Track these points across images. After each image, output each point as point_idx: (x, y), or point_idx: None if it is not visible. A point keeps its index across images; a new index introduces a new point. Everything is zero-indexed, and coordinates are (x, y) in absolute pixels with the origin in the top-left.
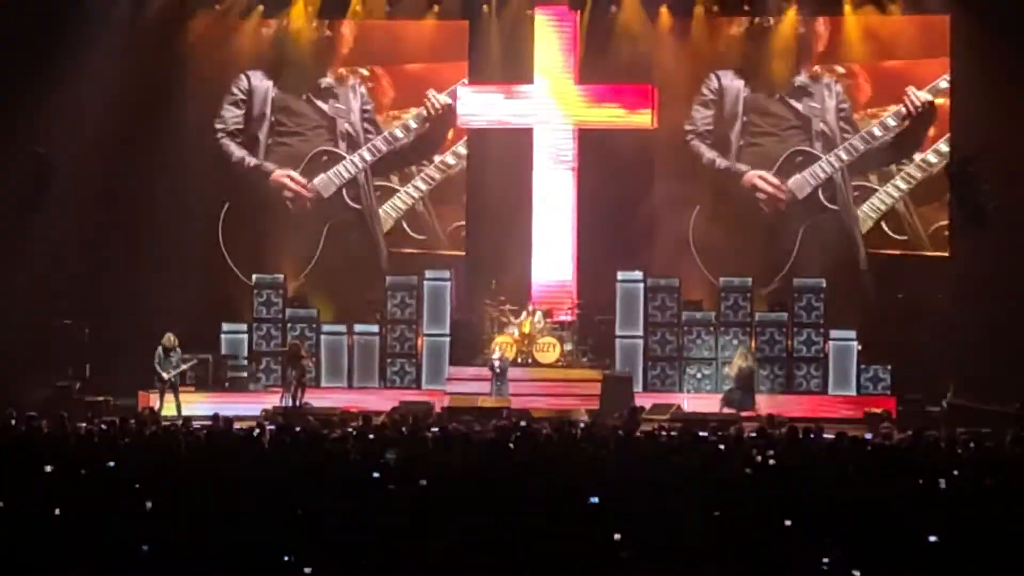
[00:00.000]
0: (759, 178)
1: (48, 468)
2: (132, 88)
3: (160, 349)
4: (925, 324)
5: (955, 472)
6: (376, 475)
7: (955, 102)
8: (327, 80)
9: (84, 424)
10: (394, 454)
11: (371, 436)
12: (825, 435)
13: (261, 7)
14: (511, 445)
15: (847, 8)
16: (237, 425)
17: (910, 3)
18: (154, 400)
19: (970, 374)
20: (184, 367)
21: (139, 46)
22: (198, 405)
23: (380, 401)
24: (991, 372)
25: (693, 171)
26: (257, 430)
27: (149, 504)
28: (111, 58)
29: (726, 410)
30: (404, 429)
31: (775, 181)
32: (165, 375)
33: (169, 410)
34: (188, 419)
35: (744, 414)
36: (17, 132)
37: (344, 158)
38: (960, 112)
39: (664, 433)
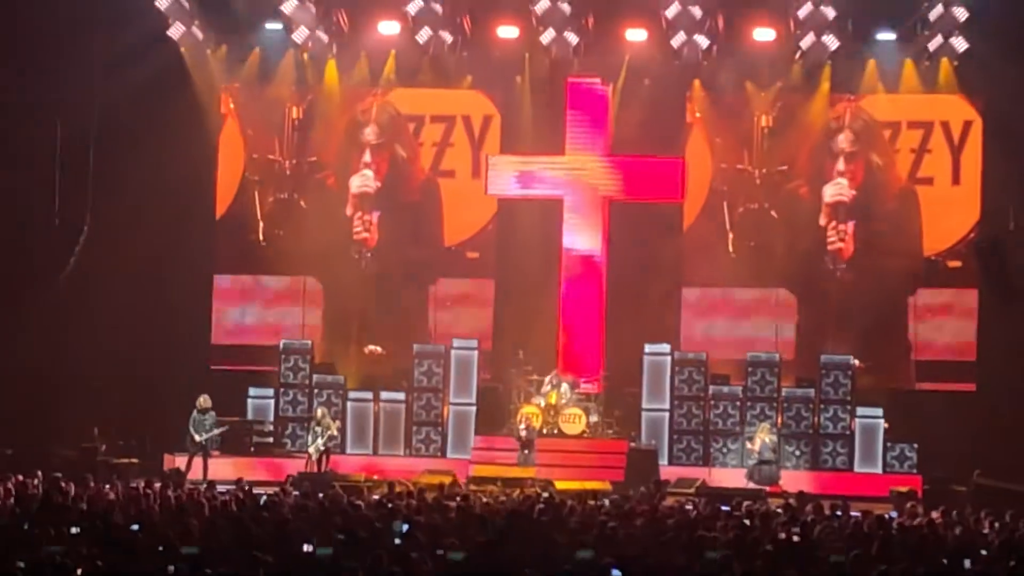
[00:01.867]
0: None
1: (73, 530)
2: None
3: (195, 411)
4: (951, 404)
5: (981, 552)
6: (398, 542)
7: (985, 182)
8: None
9: (108, 486)
10: (406, 526)
11: (391, 505)
12: (851, 513)
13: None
14: (535, 516)
15: (880, 86)
16: (260, 490)
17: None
18: (180, 463)
19: (996, 454)
20: (216, 432)
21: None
22: (223, 468)
23: (405, 468)
24: (1017, 452)
25: (721, 244)
26: (280, 495)
27: (172, 568)
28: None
29: (751, 485)
30: (428, 497)
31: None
32: (197, 437)
33: (196, 472)
34: (212, 483)
35: (769, 489)
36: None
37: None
38: (989, 191)
39: (689, 507)
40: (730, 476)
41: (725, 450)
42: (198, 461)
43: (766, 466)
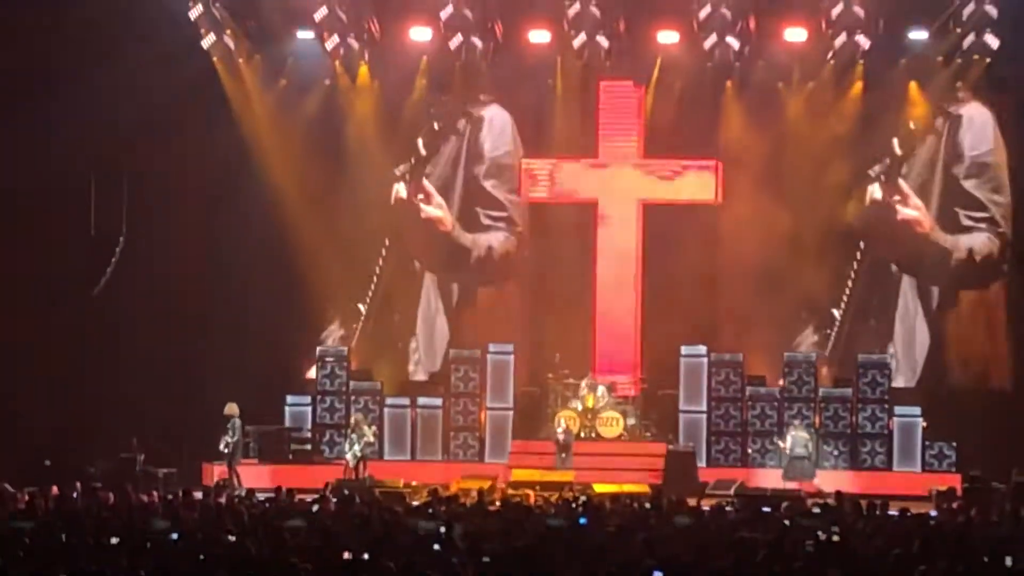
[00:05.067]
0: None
1: (114, 540)
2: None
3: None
4: (990, 401)
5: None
6: (437, 547)
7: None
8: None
9: (147, 496)
10: (459, 529)
11: (431, 510)
12: (890, 512)
13: (327, 81)
14: (576, 519)
15: (913, 84)
16: (299, 498)
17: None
18: (219, 471)
19: None
20: (232, 439)
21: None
22: (262, 476)
23: (444, 473)
24: None
25: (759, 244)
26: (320, 502)
27: None
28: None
29: (788, 483)
30: (467, 503)
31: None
32: (220, 445)
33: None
34: (251, 491)
35: (806, 486)
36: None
37: None
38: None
39: (728, 508)
40: (769, 477)
41: (763, 451)
42: (239, 469)
43: (798, 461)
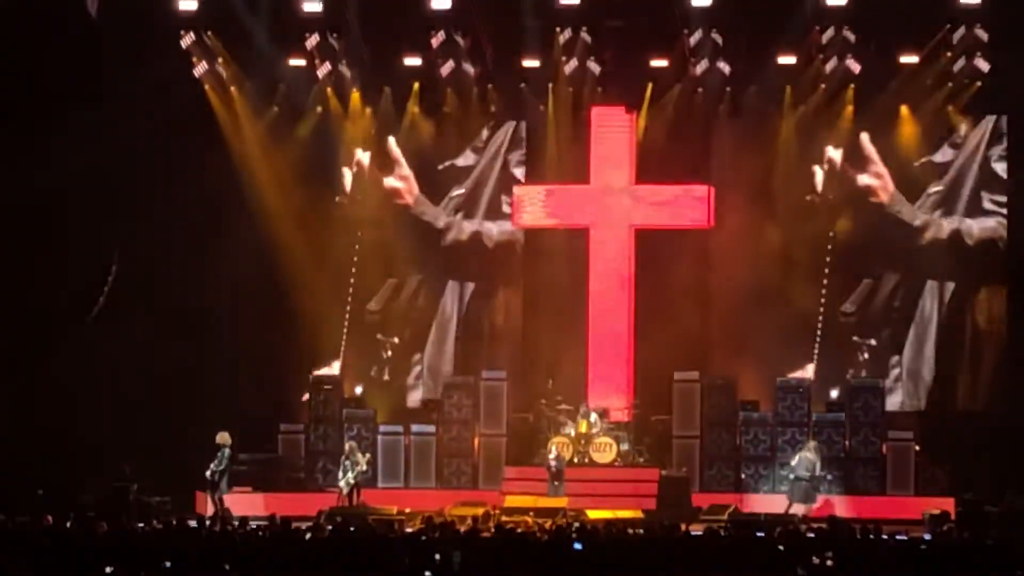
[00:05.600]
0: None
1: (108, 569)
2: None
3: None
4: (983, 423)
5: (1016, 573)
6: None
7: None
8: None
9: (142, 524)
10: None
11: (424, 537)
12: (884, 536)
13: (319, 108)
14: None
15: (904, 108)
16: (294, 525)
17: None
18: (211, 502)
19: None
20: (219, 467)
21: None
22: (255, 504)
23: (437, 500)
24: None
25: (751, 267)
26: (313, 530)
27: None
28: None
29: (795, 506)
30: (462, 529)
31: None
32: (207, 472)
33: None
34: (245, 519)
35: (804, 511)
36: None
37: None
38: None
39: (722, 533)
40: (763, 502)
41: (757, 476)
42: (229, 498)
43: (800, 483)
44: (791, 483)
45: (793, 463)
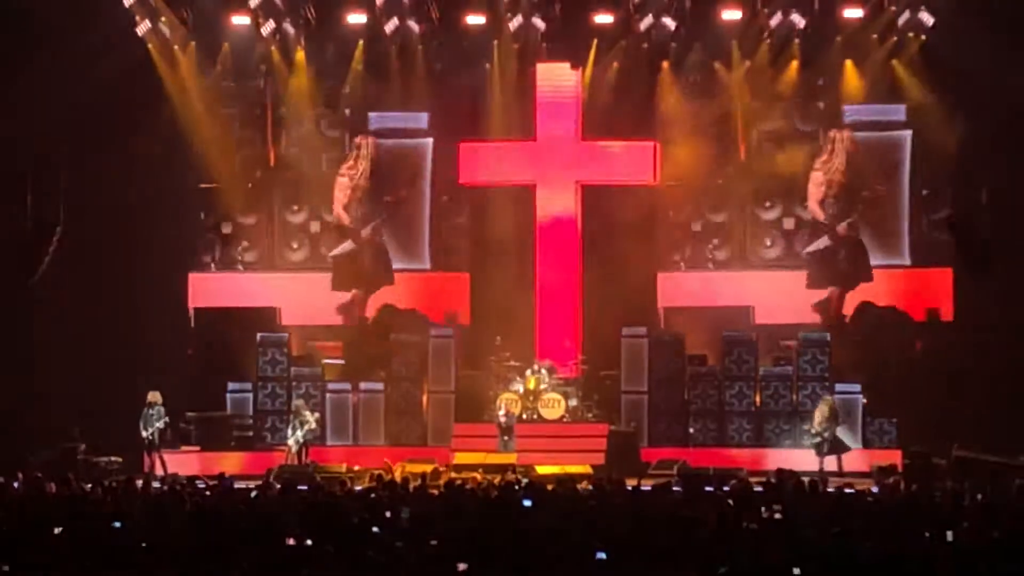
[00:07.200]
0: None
1: (56, 530)
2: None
3: (146, 407)
4: (931, 377)
5: (963, 524)
6: (376, 530)
7: (962, 152)
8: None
9: (90, 485)
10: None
11: (373, 495)
12: (831, 489)
13: (263, 67)
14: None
15: (848, 62)
16: (241, 484)
17: None
18: (147, 462)
19: (975, 426)
20: (158, 426)
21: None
22: (204, 463)
23: (387, 458)
24: (995, 423)
25: (694, 225)
26: (262, 488)
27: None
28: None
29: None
30: (411, 487)
31: None
32: (144, 433)
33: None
34: (193, 478)
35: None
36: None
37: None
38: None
39: (671, 488)
40: (711, 456)
41: (705, 431)
42: (176, 457)
43: (815, 439)
44: (815, 444)
45: (815, 422)
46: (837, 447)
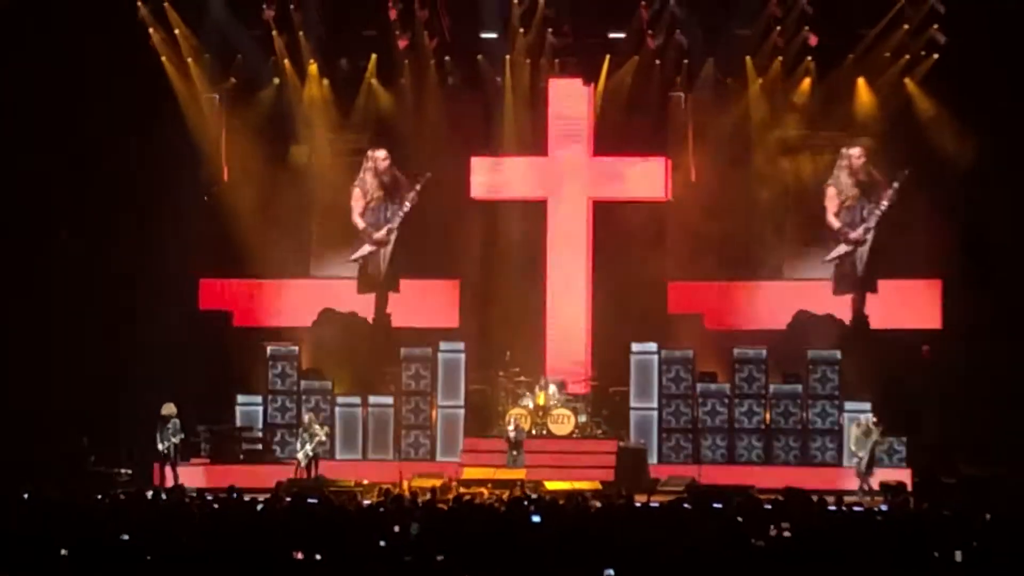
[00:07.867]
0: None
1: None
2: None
3: (159, 420)
4: (939, 395)
5: (972, 544)
6: (384, 544)
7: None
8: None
9: (99, 496)
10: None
11: (382, 509)
12: (841, 507)
13: (276, 80)
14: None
15: (860, 80)
16: (251, 497)
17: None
18: (168, 474)
19: (981, 443)
20: (175, 440)
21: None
22: (213, 476)
23: (395, 472)
24: (1000, 440)
25: (705, 242)
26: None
27: None
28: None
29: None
30: (420, 502)
31: None
32: (160, 446)
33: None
34: (202, 491)
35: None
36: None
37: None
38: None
39: (680, 504)
40: (720, 473)
41: (715, 447)
42: (187, 470)
43: (855, 459)
44: (857, 465)
45: (855, 445)
46: (872, 466)
